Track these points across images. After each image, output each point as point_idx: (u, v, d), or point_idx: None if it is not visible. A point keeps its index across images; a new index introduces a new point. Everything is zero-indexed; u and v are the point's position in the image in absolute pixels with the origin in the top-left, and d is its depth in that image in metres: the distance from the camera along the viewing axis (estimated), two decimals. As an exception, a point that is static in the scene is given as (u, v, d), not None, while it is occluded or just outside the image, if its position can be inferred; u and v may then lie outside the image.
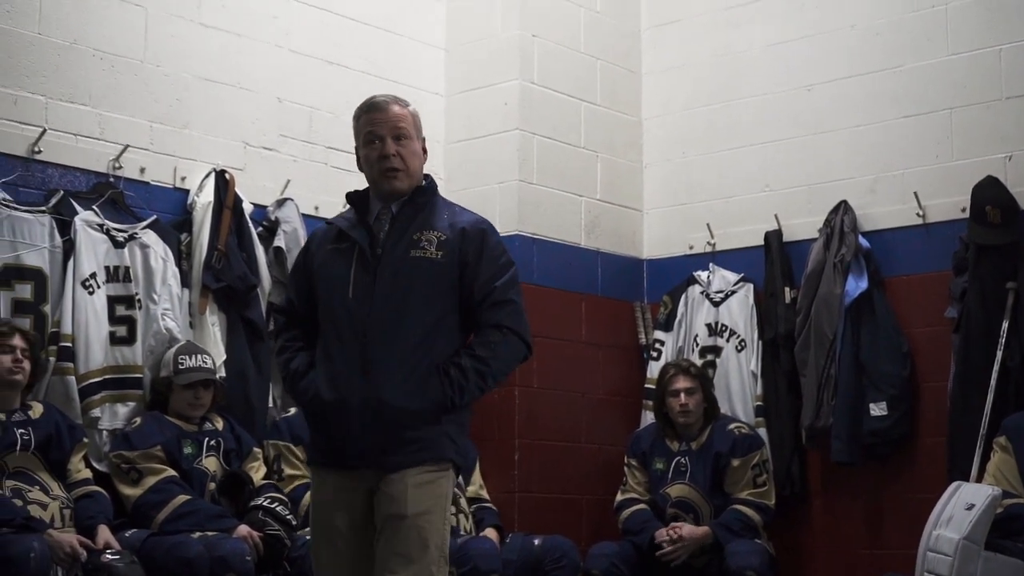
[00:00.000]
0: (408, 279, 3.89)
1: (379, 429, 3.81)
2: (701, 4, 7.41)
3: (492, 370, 3.92)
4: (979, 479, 5.48)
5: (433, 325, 3.88)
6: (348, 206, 4.12)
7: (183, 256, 5.84)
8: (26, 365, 5.10)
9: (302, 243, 5.37)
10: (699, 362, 6.75)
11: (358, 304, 3.89)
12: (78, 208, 5.54)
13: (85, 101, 5.68)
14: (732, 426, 6.41)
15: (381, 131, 3.97)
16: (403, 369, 3.83)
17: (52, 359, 5.38)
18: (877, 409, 6.28)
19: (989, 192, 6.05)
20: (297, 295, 4.13)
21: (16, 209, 5.35)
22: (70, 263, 5.45)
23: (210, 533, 5.21)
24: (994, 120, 6.28)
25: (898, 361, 6.33)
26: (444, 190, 7.02)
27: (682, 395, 6.35)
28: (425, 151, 4.06)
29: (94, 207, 5.59)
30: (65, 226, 5.47)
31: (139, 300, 5.64)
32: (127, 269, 5.62)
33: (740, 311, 6.88)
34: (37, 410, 5.17)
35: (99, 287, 5.53)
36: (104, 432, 5.49)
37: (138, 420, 5.49)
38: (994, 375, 5.79)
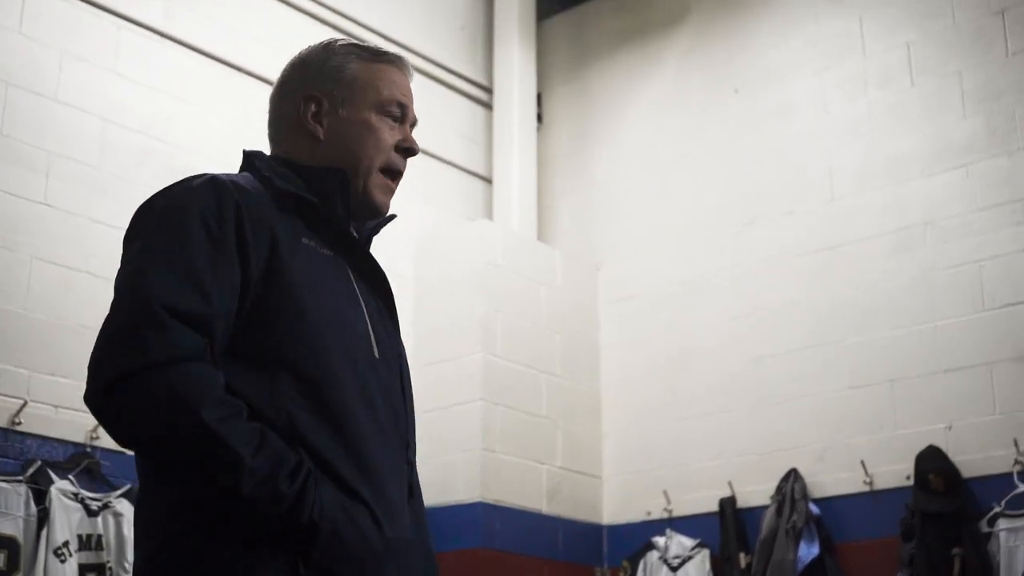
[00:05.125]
0: (400, 363, 2.41)
1: None
2: (655, 280, 7.76)
3: None
4: None
5: None
6: (295, 177, 2.36)
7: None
8: (-5, 633, 5.19)
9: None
10: (659, 628, 6.87)
11: (390, 374, 2.30)
12: (54, 477, 5.66)
13: (66, 374, 5.85)
14: None
15: (410, 109, 2.47)
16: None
17: (23, 626, 5.44)
18: (834, 675, 6.38)
19: (931, 461, 6.31)
20: (220, 294, 2.17)
21: (-7, 479, 5.53)
22: (44, 531, 5.54)
23: None
24: (933, 392, 6.55)
25: (852, 626, 6.46)
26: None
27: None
28: None
29: (70, 476, 5.72)
30: (41, 495, 5.59)
31: (110, 568, 5.72)
32: (99, 538, 5.72)
33: (697, 576, 7.03)
34: (2, 676, 5.23)
35: (71, 555, 5.61)
36: None
37: None
38: (943, 640, 5.93)
